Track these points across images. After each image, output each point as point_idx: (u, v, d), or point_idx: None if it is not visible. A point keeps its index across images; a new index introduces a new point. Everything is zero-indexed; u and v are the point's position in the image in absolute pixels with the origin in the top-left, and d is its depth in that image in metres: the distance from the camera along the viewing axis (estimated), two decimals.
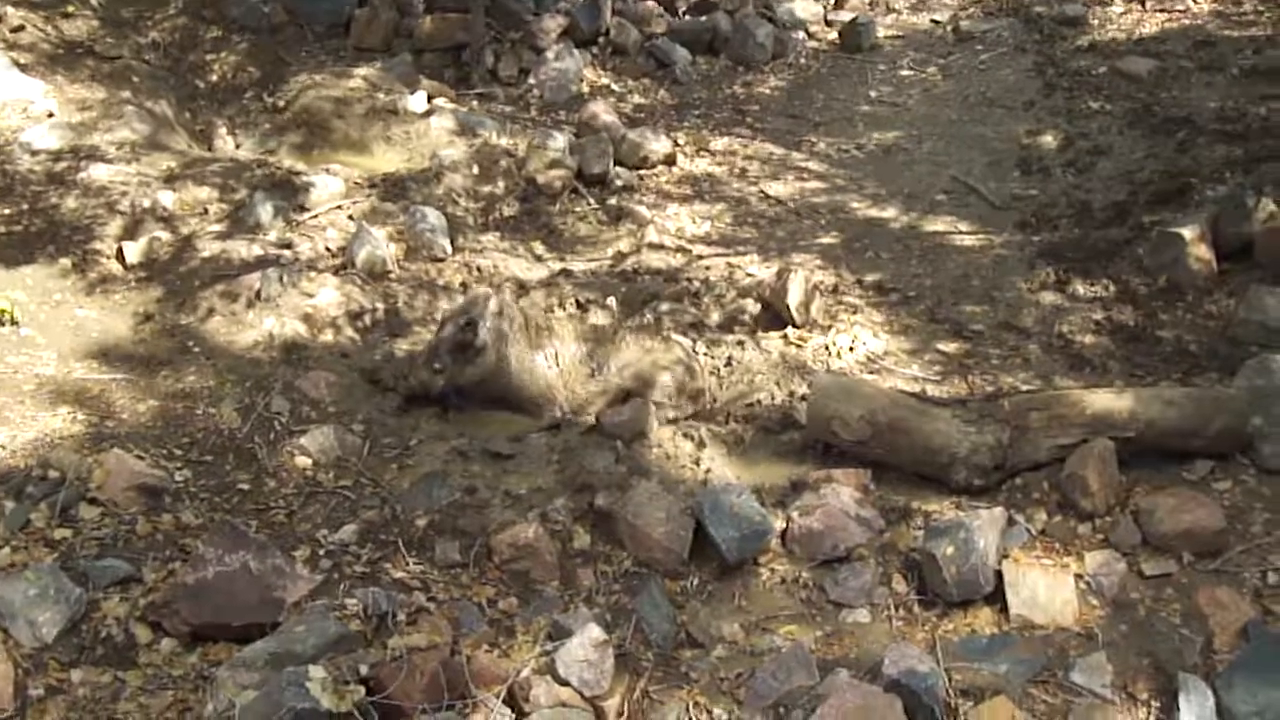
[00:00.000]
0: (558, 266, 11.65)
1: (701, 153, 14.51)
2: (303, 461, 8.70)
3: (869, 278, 11.51)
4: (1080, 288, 11.02)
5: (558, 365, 9.57)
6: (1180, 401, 8.52)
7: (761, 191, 13.59)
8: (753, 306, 10.71)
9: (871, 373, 9.98)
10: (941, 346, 10.40)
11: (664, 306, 10.74)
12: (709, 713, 6.88)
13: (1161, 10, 17.15)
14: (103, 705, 6.67)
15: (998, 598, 7.54)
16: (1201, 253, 10.72)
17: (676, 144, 14.39)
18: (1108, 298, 10.85)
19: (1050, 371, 9.97)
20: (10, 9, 13.65)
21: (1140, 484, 8.30)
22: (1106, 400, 8.56)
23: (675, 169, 14.05)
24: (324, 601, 7.21)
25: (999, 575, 7.56)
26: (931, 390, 9.70)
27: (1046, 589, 7.49)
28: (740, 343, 10.14)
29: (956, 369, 10.07)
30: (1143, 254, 11.12)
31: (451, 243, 11.58)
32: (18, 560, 7.38)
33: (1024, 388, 9.61)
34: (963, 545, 7.57)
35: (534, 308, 10.47)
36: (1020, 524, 8.08)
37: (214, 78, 14.76)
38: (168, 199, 11.26)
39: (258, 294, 10.19)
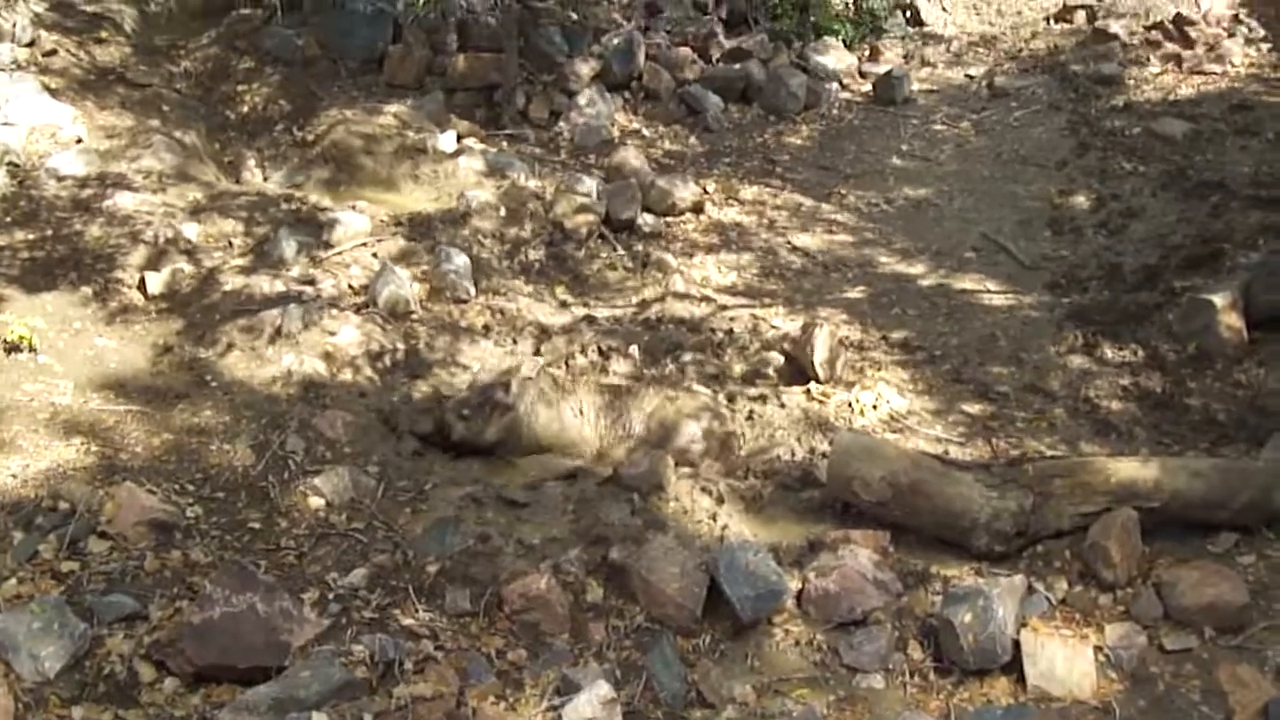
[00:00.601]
0: (581, 312, 11.57)
1: (730, 201, 14.47)
2: (315, 502, 8.63)
3: (895, 335, 11.44)
4: (1109, 352, 10.93)
5: (579, 420, 9.48)
6: (1206, 473, 8.43)
7: (789, 243, 13.54)
8: (777, 360, 10.65)
9: (895, 432, 9.90)
10: (966, 407, 10.31)
11: (687, 357, 10.69)
12: None
13: (1198, 72, 17.06)
14: None
15: (1015, 668, 7.44)
16: (1232, 320, 10.63)
17: (705, 192, 14.36)
18: (1136, 363, 10.76)
19: (1076, 437, 9.88)
20: (44, 33, 13.70)
21: (1163, 556, 8.21)
22: (1132, 469, 8.47)
23: (703, 217, 14.01)
24: (330, 646, 7.14)
25: (1017, 645, 7.46)
26: (954, 452, 9.61)
27: (1065, 660, 7.38)
28: (762, 396, 10.07)
29: (980, 431, 9.99)
30: (1173, 320, 11.04)
31: (476, 285, 11.54)
32: (24, 592, 7.34)
33: (1048, 453, 9.52)
34: (981, 613, 7.47)
35: (555, 355, 10.44)
36: (1040, 592, 7.99)
37: (245, 109, 14.78)
38: (192, 231, 11.26)
39: (278, 330, 10.15)
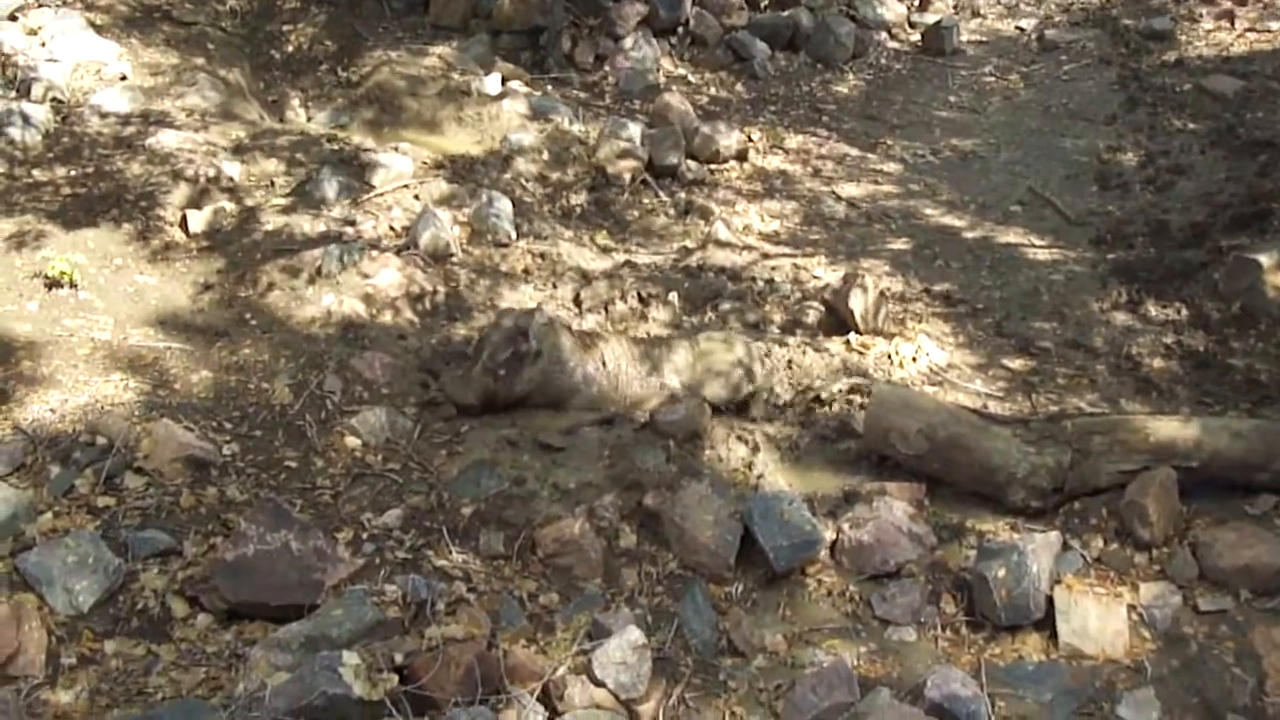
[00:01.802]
0: (622, 258, 11.55)
1: (775, 150, 14.41)
2: (352, 442, 8.66)
3: (937, 287, 11.39)
4: (1152, 309, 10.86)
5: (608, 370, 9.43)
6: (1247, 434, 8.37)
7: (834, 192, 13.48)
8: (817, 310, 10.60)
9: (933, 385, 9.86)
10: (1007, 362, 10.27)
11: (727, 305, 10.68)
12: None
13: (1252, 30, 16.87)
14: (134, 678, 6.69)
15: (1047, 624, 7.45)
16: (1278, 280, 10.53)
17: (750, 140, 14.30)
18: (1180, 321, 10.69)
19: (1116, 394, 9.83)
20: None
21: (1201, 516, 8.18)
22: (1172, 428, 8.43)
23: (747, 165, 13.95)
24: (363, 586, 7.18)
25: (1050, 601, 7.48)
26: (993, 406, 9.57)
27: (1098, 618, 7.38)
28: (802, 346, 10.02)
29: (1020, 386, 9.95)
30: (1218, 278, 10.94)
31: (517, 229, 11.50)
32: (59, 526, 7.41)
33: (1088, 409, 9.49)
34: (1015, 568, 7.47)
35: (595, 300, 10.43)
36: (1075, 550, 7.97)
37: (290, 48, 14.74)
38: (235, 170, 11.24)
39: (318, 270, 10.15)
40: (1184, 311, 10.78)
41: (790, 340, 10.12)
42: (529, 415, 9.17)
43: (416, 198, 11.48)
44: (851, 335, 10.21)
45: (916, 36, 17.75)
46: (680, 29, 16.41)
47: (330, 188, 11.24)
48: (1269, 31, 16.77)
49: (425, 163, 12.25)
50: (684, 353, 9.56)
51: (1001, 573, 7.48)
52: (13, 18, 12.36)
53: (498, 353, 9.17)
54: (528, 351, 9.11)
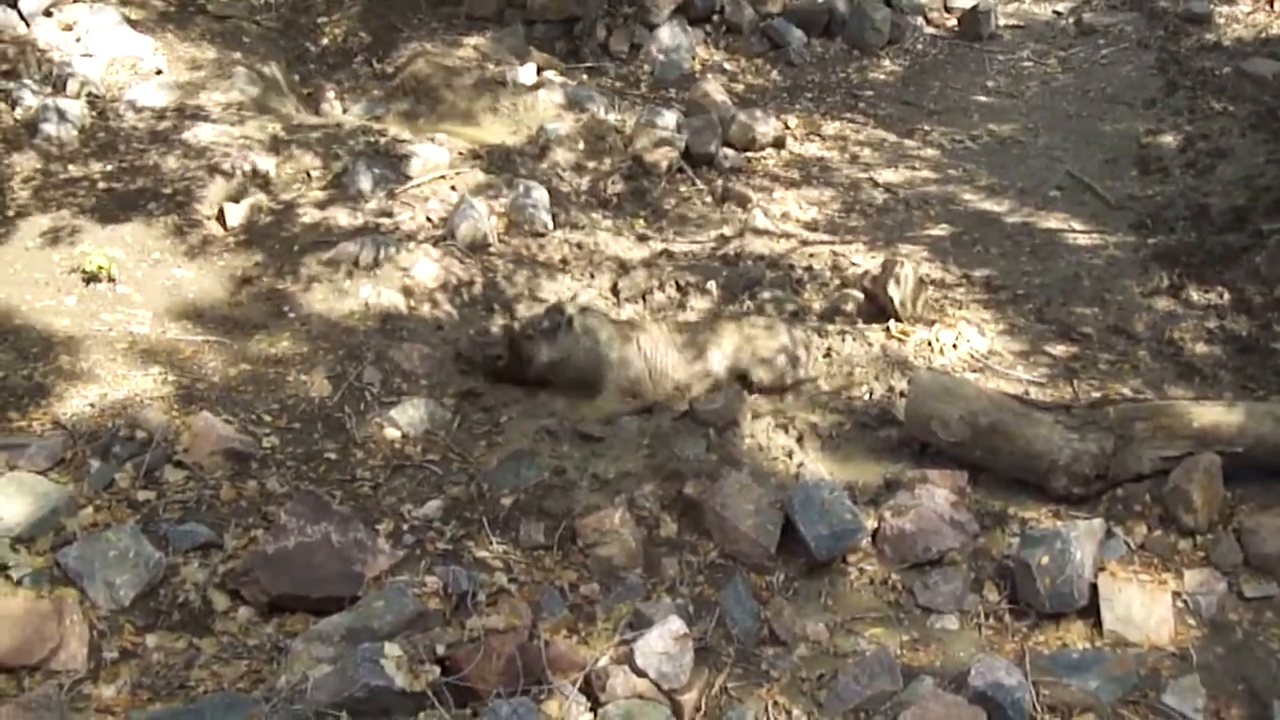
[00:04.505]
0: (660, 247, 11.52)
1: (812, 136, 14.37)
2: (391, 434, 8.69)
3: (977, 273, 11.33)
4: (1194, 294, 10.79)
5: (646, 353, 9.40)
6: None
7: (872, 179, 13.43)
8: (857, 297, 10.56)
9: (975, 372, 9.82)
10: (1048, 348, 10.21)
11: (766, 293, 10.64)
12: (788, 713, 6.78)
13: None
14: (176, 671, 6.71)
15: (1091, 612, 7.41)
16: None
17: (787, 127, 14.27)
18: (1222, 306, 10.62)
19: (1159, 380, 9.77)
20: None
21: (1245, 502, 8.15)
22: (1215, 413, 8.38)
23: (785, 152, 13.92)
24: (404, 578, 7.21)
25: (1094, 589, 7.43)
26: (1035, 393, 9.52)
27: (1142, 606, 7.34)
28: (842, 334, 9.98)
29: (1063, 372, 9.90)
30: (1260, 262, 10.87)
31: (554, 219, 11.49)
32: (100, 520, 7.45)
33: (1131, 395, 9.43)
34: (1059, 555, 7.43)
35: (633, 290, 10.43)
36: (1119, 537, 7.94)
37: (325, 41, 14.77)
38: (270, 163, 11.26)
39: (356, 262, 10.17)
40: (1226, 296, 10.71)
41: (830, 328, 10.08)
42: (569, 404, 9.16)
43: (453, 189, 11.49)
44: (891, 322, 10.16)
45: (953, 21, 17.65)
46: (715, 16, 16.36)
47: (366, 180, 11.25)
48: None
49: (461, 154, 12.26)
50: (729, 337, 9.53)
51: (1045, 560, 7.43)
52: (48, 14, 12.40)
53: (533, 323, 9.25)
54: (559, 322, 9.12)
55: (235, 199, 10.84)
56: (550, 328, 9.14)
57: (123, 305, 9.53)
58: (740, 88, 15.36)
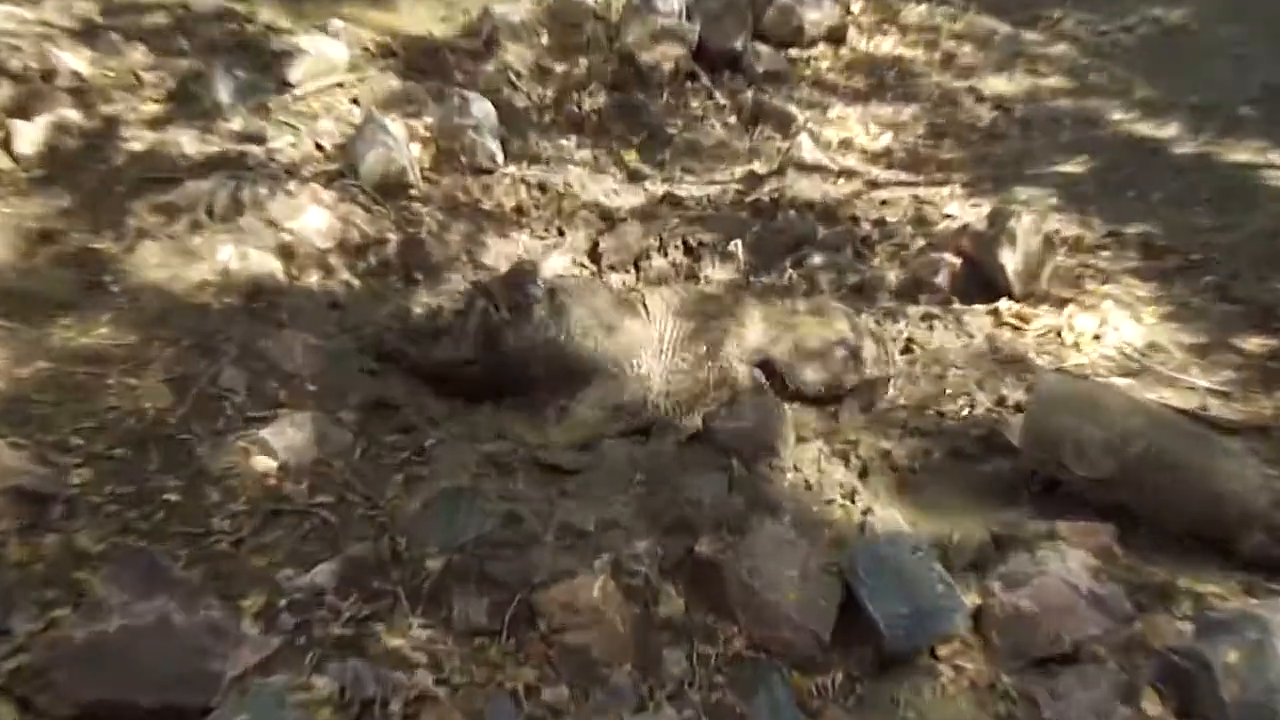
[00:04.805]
0: (660, 190, 11.57)
1: (885, 26, 14.44)
2: (263, 464, 8.64)
3: (1131, 230, 11.35)
4: None
5: (644, 344, 9.41)
6: None
7: (973, 89, 13.49)
8: (951, 264, 10.57)
9: (1127, 375, 9.84)
10: (1237, 341, 10.22)
11: (816, 259, 10.64)
12: None
13: None
14: None
15: None
16: None
17: (849, 12, 14.31)
18: None
19: None
20: None
21: None
22: None
23: (845, 49, 14.00)
24: (282, 678, 7.17)
25: None
26: (1216, 408, 9.53)
27: None
28: (928, 318, 9.99)
29: (1258, 378, 9.89)
30: None
31: (504, 147, 11.52)
32: None
33: None
34: (1253, 651, 7.40)
35: (622, 252, 10.41)
36: None
37: None
38: (82, 62, 11.25)
39: (210, 210, 10.15)
40: None
41: (911, 310, 10.10)
42: (526, 421, 9.16)
43: (355, 102, 11.52)
44: (1003, 302, 10.19)
45: None
46: None
47: (225, 88, 11.26)
48: None
49: (367, 49, 12.31)
50: (761, 323, 9.53)
51: (1233, 657, 7.42)
52: None
53: (500, 297, 9.25)
54: (533, 297, 9.12)
55: (28, 116, 10.79)
56: (519, 304, 9.15)
57: None
58: None
